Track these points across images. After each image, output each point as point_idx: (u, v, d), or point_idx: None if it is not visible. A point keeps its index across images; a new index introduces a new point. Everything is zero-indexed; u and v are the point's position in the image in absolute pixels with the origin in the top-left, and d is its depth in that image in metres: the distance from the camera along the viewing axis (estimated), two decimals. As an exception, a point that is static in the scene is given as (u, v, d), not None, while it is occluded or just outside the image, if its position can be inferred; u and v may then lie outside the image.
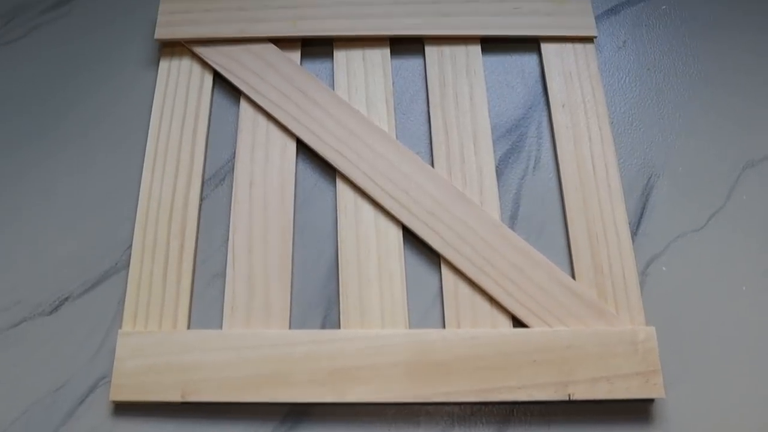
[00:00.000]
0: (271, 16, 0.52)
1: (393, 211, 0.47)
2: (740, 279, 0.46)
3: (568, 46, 0.53)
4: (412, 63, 0.53)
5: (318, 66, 0.53)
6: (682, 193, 0.49)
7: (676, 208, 0.48)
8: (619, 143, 0.50)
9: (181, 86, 0.52)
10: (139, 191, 0.48)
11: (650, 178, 0.49)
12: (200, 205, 0.48)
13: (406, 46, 0.53)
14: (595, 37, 0.53)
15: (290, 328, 0.45)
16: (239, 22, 0.52)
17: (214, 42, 0.52)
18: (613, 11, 0.56)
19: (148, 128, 0.50)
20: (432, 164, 0.49)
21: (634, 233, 0.47)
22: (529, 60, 0.54)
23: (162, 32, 0.52)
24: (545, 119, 0.51)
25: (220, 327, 0.44)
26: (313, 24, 0.52)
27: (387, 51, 0.53)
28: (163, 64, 0.52)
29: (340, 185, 0.48)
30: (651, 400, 0.43)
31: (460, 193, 0.47)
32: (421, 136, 0.50)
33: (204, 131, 0.50)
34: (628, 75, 0.53)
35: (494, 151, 0.49)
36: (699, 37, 0.55)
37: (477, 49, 0.53)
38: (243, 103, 0.51)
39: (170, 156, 0.49)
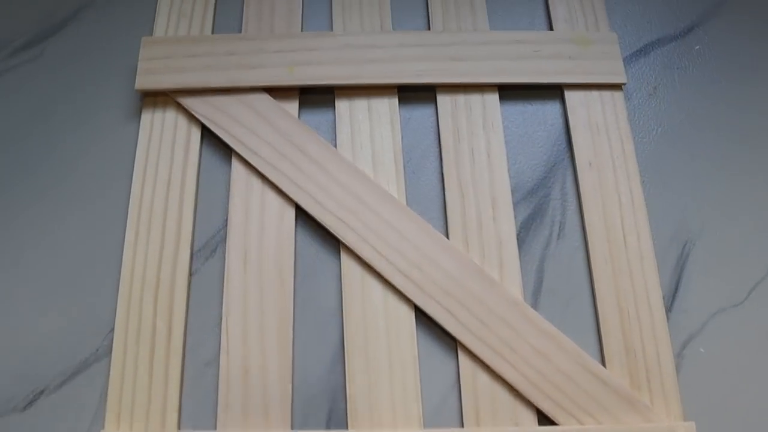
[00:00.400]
0: (266, 62, 0.47)
1: (404, 290, 0.42)
2: (785, 360, 0.42)
3: (595, 94, 0.48)
4: (422, 113, 0.48)
5: (318, 117, 0.48)
6: (721, 262, 0.44)
7: (713, 279, 0.44)
8: (651, 206, 0.46)
9: (165, 142, 0.46)
10: (121, 265, 0.43)
11: (685, 245, 0.45)
12: (189, 281, 0.43)
13: (415, 93, 0.48)
14: (625, 83, 0.47)
15: (292, 428, 0.40)
16: (229, 69, 0.46)
17: (202, 92, 0.46)
18: (642, 53, 0.50)
19: (129, 190, 0.45)
20: (447, 234, 0.44)
21: (668, 309, 0.43)
22: (551, 109, 0.48)
23: (143, 81, 0.46)
24: (570, 178, 0.46)
25: (214, 427, 0.40)
26: (312, 71, 0.47)
27: (395, 100, 0.48)
28: (146, 117, 0.47)
29: (345, 258, 0.43)
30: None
31: (478, 267, 0.42)
32: (434, 199, 0.45)
33: (192, 195, 0.45)
34: (659, 126, 0.48)
35: (515, 217, 0.45)
36: (737, 81, 0.50)
37: (494, 97, 0.48)
38: (235, 162, 0.46)
39: (155, 223, 0.44)
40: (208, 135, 0.47)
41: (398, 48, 0.48)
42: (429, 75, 0.47)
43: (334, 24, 0.50)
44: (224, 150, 0.46)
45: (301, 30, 0.50)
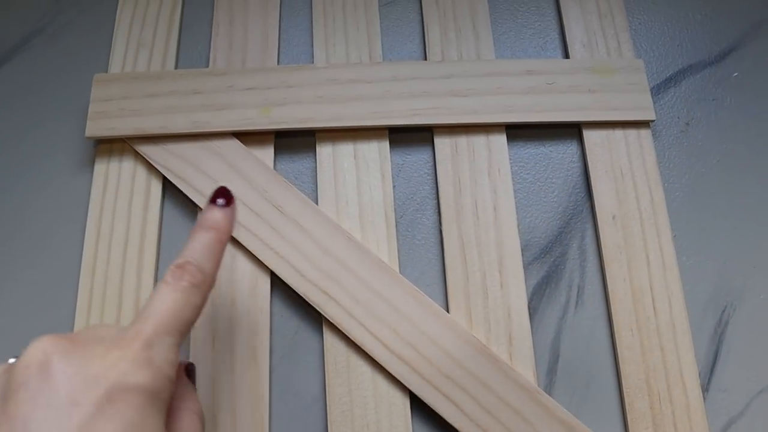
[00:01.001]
0: (236, 101, 0.41)
1: (397, 373, 0.36)
2: (842, 450, 0.36)
3: (618, 133, 0.41)
4: (417, 158, 0.42)
5: (297, 165, 0.42)
6: (765, 331, 0.38)
7: (758, 351, 0.38)
8: (683, 265, 0.39)
9: (122, 197, 0.40)
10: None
11: (724, 311, 0.39)
12: (150, 362, 0.37)
13: (409, 135, 0.42)
14: (653, 120, 0.41)
15: None
16: (194, 111, 0.40)
17: (163, 138, 0.40)
18: (671, 82, 0.44)
19: (81, 252, 0.39)
20: (446, 305, 0.38)
21: (705, 389, 0.37)
22: (568, 151, 0.42)
23: (95, 127, 0.40)
24: (590, 234, 0.40)
25: None
26: (289, 112, 0.40)
27: (386, 143, 0.41)
28: (99, 168, 0.41)
29: (328, 336, 0.37)
30: None
31: (483, 346, 0.36)
32: (431, 263, 0.39)
33: (152, 258, 0.39)
34: (692, 170, 0.42)
35: (526, 281, 0.38)
36: (782, 116, 0.43)
37: (501, 139, 0.41)
38: (202, 221, 0.39)
39: (110, 293, 0.38)
40: (170, 187, 0.41)
41: (390, 82, 0.41)
42: (426, 114, 0.41)
43: (315, 55, 0.43)
44: (189, 206, 0.40)
45: (278, 63, 0.43)
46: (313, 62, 0.43)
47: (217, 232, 0.29)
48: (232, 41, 0.43)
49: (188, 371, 0.30)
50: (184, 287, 0.26)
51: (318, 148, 0.41)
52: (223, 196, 0.30)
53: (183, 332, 0.26)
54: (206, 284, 0.27)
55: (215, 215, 0.29)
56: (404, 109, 0.41)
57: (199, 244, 0.28)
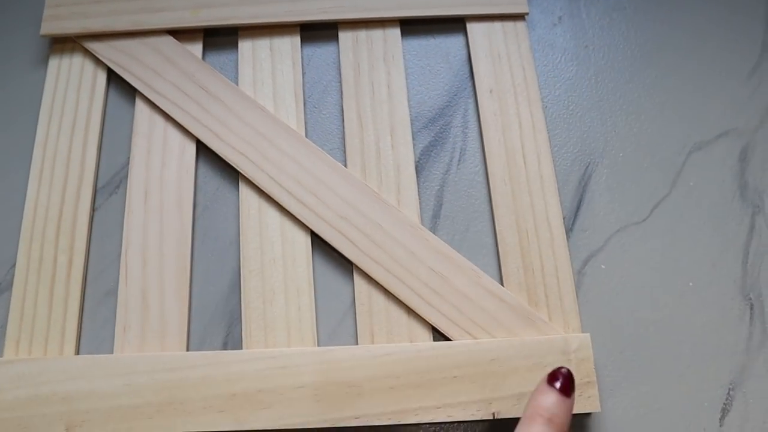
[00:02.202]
0: (170, 4, 0.48)
1: (300, 217, 0.42)
2: (687, 275, 0.42)
3: (497, 25, 0.48)
4: (324, 51, 0.48)
5: (222, 58, 0.48)
6: (623, 181, 0.44)
7: (616, 198, 0.44)
8: (554, 130, 0.46)
9: (71, 86, 0.47)
10: (24, 203, 0.43)
11: (588, 167, 0.45)
12: (92, 216, 0.44)
13: (318, 32, 0.49)
14: (527, 13, 0.48)
15: (188, 349, 0.40)
16: (134, 13, 0.47)
17: (107, 36, 0.47)
18: (547, -15, 0.51)
19: (35, 133, 0.45)
20: (345, 163, 0.44)
21: (569, 229, 0.43)
22: (454, 42, 0.49)
23: (48, 27, 0.47)
24: (472, 107, 0.46)
25: (112, 351, 0.40)
26: (215, 12, 0.47)
27: (297, 39, 0.48)
28: (53, 63, 0.48)
29: (244, 189, 0.44)
30: (587, 415, 0.38)
31: (374, 193, 0.42)
32: (334, 132, 0.46)
33: (96, 135, 0.46)
34: (563, 55, 0.48)
35: (414, 145, 0.45)
36: (641, 11, 0.50)
37: (396, 32, 0.48)
38: (139, 103, 0.46)
39: (59, 164, 0.45)
40: (114, 79, 0.48)
41: (301, -13, 0.48)
42: (331, 11, 0.48)
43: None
44: (129, 93, 0.47)
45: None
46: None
47: (554, 427, 0.25)
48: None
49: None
50: None
51: (240, 44, 0.48)
52: (563, 382, 0.26)
53: None
54: None
55: (557, 408, 0.26)
56: (314, 8, 0.48)
57: None
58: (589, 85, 0.47)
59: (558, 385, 0.27)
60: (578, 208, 0.44)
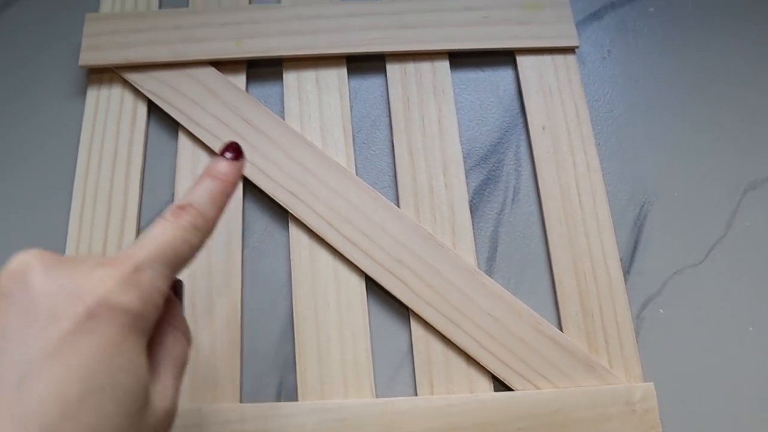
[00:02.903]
0: (212, 35, 0.46)
1: (354, 259, 0.41)
2: (747, 319, 0.41)
3: (547, 58, 0.47)
4: (372, 83, 0.47)
5: (266, 90, 0.47)
6: (679, 222, 0.43)
7: (672, 240, 0.43)
8: (607, 168, 0.45)
9: (111, 118, 0.45)
10: (66, 242, 0.42)
11: (643, 206, 0.44)
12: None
13: (365, 63, 0.47)
14: (577, 47, 0.47)
15: (241, 401, 0.39)
16: (175, 43, 0.46)
17: (148, 67, 0.46)
18: (595, 16, 0.50)
19: (74, 166, 0.44)
20: (397, 202, 0.43)
21: (626, 272, 0.42)
22: (503, 75, 0.48)
23: (87, 57, 0.45)
24: (524, 143, 0.45)
25: (160, 402, 0.39)
26: (259, 43, 0.46)
27: (344, 71, 0.47)
28: (91, 94, 0.46)
29: (294, 230, 0.42)
30: (651, 466, 0.38)
31: (429, 235, 0.41)
32: (385, 169, 0.44)
33: (138, 169, 0.44)
34: (613, 89, 0.47)
35: (467, 183, 0.44)
36: (691, 43, 0.49)
37: (445, 65, 0.47)
38: (182, 137, 0.45)
39: (101, 199, 0.43)
40: (155, 110, 0.46)
41: (346, 18, 0.47)
42: (378, 44, 0.46)
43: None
44: (171, 126, 0.46)
45: (249, 2, 0.49)
46: (279, 2, 0.49)
47: (223, 183, 0.28)
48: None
49: (175, 289, 0.29)
50: (184, 226, 0.26)
51: (285, 75, 0.47)
52: (233, 150, 0.30)
53: (176, 265, 0.25)
54: (206, 228, 0.27)
55: (224, 166, 0.29)
56: (359, 39, 0.47)
57: (203, 191, 0.27)
58: (640, 121, 0.46)
59: (228, 155, 0.29)
60: (634, 249, 0.43)
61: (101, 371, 0.21)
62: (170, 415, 0.25)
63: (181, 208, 0.26)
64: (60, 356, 0.21)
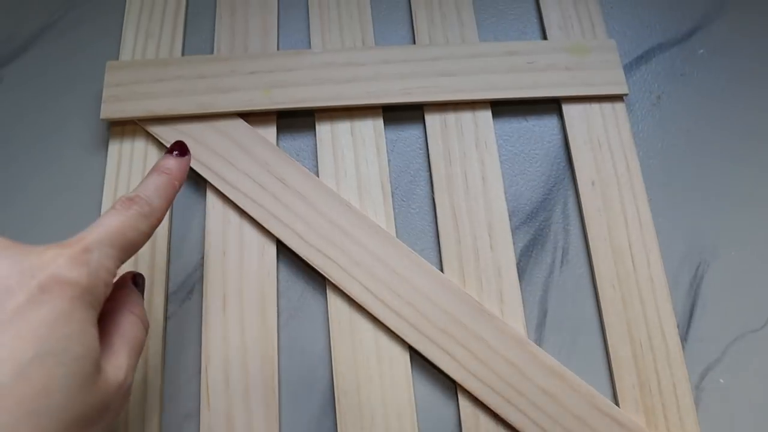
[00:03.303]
0: (239, 84, 0.43)
1: (397, 330, 0.39)
2: (811, 389, 0.39)
3: (595, 106, 0.45)
4: (410, 134, 0.45)
5: (298, 143, 0.44)
6: (737, 283, 0.41)
7: (730, 303, 0.41)
8: (659, 225, 0.42)
9: (135, 174, 0.43)
10: (88, 312, 0.39)
11: (699, 266, 0.42)
12: (165, 326, 0.40)
13: (402, 113, 0.45)
14: (626, 94, 0.44)
15: (280, 485, 0.37)
16: (200, 94, 0.43)
17: (172, 119, 0.43)
18: (642, 59, 0.47)
19: (97, 228, 0.41)
20: (441, 267, 0.41)
21: (683, 339, 0.40)
22: (549, 125, 0.45)
23: (109, 110, 0.43)
24: (572, 199, 0.43)
25: (195, 487, 0.36)
26: (290, 93, 0.43)
27: (380, 122, 0.44)
28: (113, 148, 0.43)
29: (332, 297, 0.40)
30: None
31: (475, 302, 0.39)
32: (425, 229, 0.42)
33: (165, 231, 0.42)
34: (664, 138, 0.45)
35: (514, 243, 0.41)
36: (746, 85, 0.46)
37: (487, 114, 0.44)
38: (210, 195, 0.42)
39: (124, 270, 0.40)
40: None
41: (382, 65, 0.44)
42: (416, 93, 0.44)
43: (312, 41, 0.46)
44: (199, 182, 0.43)
45: (277, 49, 0.46)
46: (310, 47, 0.46)
47: (168, 176, 0.32)
48: (234, 29, 0.46)
49: (135, 281, 0.32)
50: (132, 214, 0.29)
51: (317, 127, 0.44)
52: (178, 148, 0.34)
53: (125, 250, 0.28)
54: (154, 216, 0.30)
55: (169, 162, 0.33)
56: (397, 88, 0.44)
57: (151, 184, 0.31)
58: (694, 174, 0.44)
59: (175, 152, 0.34)
60: (691, 314, 0.40)
61: (51, 337, 0.23)
62: (123, 388, 0.27)
63: (130, 199, 0.30)
64: (14, 324, 0.23)
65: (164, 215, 0.31)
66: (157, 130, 0.43)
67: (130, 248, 0.29)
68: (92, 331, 0.25)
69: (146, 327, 0.30)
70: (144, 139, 0.44)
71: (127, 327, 0.29)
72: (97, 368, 0.25)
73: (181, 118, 0.43)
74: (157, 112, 0.43)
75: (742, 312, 0.41)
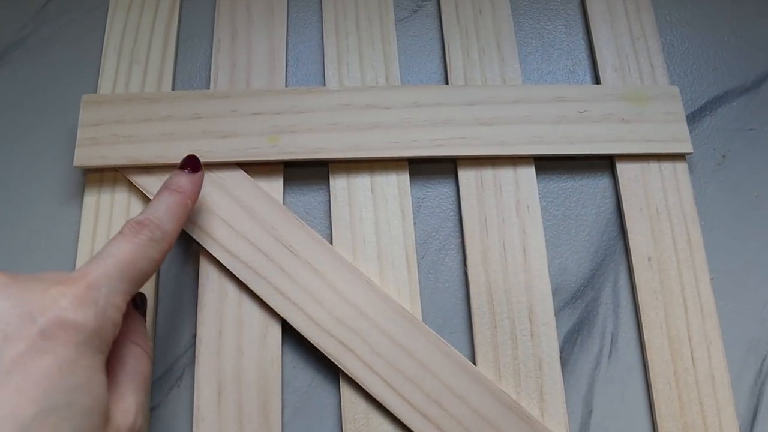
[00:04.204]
0: (241, 128, 0.37)
1: (421, 433, 0.33)
2: None
3: (653, 166, 0.39)
4: (440, 192, 0.39)
5: (308, 198, 0.38)
6: (807, 380, 0.36)
7: (798, 403, 0.35)
8: (722, 309, 0.37)
9: (115, 231, 0.36)
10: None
11: (765, 359, 0.36)
12: (148, 419, 0.34)
13: (431, 166, 0.38)
14: (690, 153, 0.38)
15: None
16: (194, 138, 0.36)
17: (160, 168, 0.36)
18: (706, 110, 0.41)
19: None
20: (473, 357, 0.35)
21: (745, 445, 0.35)
22: (599, 185, 0.39)
23: (84, 156, 0.36)
24: (624, 276, 0.37)
25: None
26: (299, 140, 0.37)
27: (406, 177, 0.38)
28: (89, 199, 0.37)
29: (346, 391, 0.34)
30: None
31: (513, 402, 0.34)
32: (456, 309, 0.36)
33: (150, 305, 0.35)
34: (729, 205, 0.39)
35: (557, 329, 0.36)
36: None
37: (530, 171, 0.38)
38: (204, 263, 0.36)
39: (102, 342, 0.34)
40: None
41: (410, 108, 0.38)
42: (450, 145, 0.37)
43: (327, 76, 0.40)
44: (191, 245, 0.36)
45: (286, 85, 0.39)
46: (324, 84, 0.40)
47: (181, 196, 0.30)
48: (235, 59, 0.40)
49: (136, 303, 0.30)
50: (142, 240, 0.26)
51: (331, 181, 0.38)
52: (190, 164, 0.31)
53: (135, 282, 0.26)
54: (165, 242, 0.27)
55: (181, 179, 0.30)
56: (426, 138, 0.37)
57: (162, 204, 0.29)
58: (760, 249, 0.38)
59: (187, 169, 0.31)
60: (755, 416, 0.35)
61: (56, 390, 0.21)
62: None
63: (139, 222, 0.27)
64: (13, 377, 0.21)
65: (176, 240, 0.28)
66: (141, 181, 0.36)
67: (140, 279, 0.26)
68: (100, 379, 0.23)
69: (151, 359, 0.28)
70: (126, 190, 0.37)
71: (131, 362, 0.26)
72: (105, 418, 0.23)
73: (170, 168, 0.36)
74: (142, 159, 0.36)
75: (812, 415, 0.35)
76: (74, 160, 0.36)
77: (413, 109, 0.38)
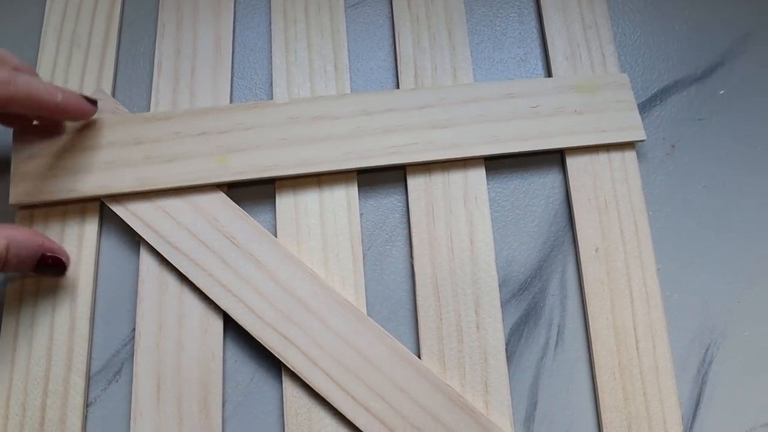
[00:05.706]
0: (187, 150, 0.36)
1: (364, 428, 0.33)
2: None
3: (603, 156, 0.39)
4: (388, 191, 0.38)
5: (253, 190, 0.37)
6: (750, 369, 0.36)
7: (742, 391, 0.36)
8: (667, 300, 0.37)
9: (53, 225, 0.35)
10: (-8, 397, 0.32)
11: (708, 349, 0.37)
12: (85, 415, 0.33)
13: (380, 174, 0.38)
14: (643, 140, 0.38)
15: None
16: (136, 165, 0.35)
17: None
18: (656, 100, 0.41)
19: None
20: (418, 350, 0.35)
21: (688, 433, 0.35)
22: (548, 177, 0.39)
23: (20, 193, 0.35)
24: (571, 267, 0.37)
25: None
26: (249, 159, 0.36)
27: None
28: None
29: (288, 385, 0.34)
30: None
31: (457, 396, 0.33)
32: (402, 301, 0.36)
33: (88, 297, 0.34)
34: (676, 195, 0.39)
35: (503, 321, 0.35)
36: (771, 137, 0.41)
37: (480, 173, 0.38)
38: (144, 255, 0.35)
39: (38, 344, 0.33)
40: (108, 217, 0.36)
41: (361, 117, 0.37)
42: (403, 153, 0.37)
43: (274, 64, 0.39)
44: (131, 236, 0.36)
45: (230, 101, 0.38)
46: (272, 98, 0.39)
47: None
48: (179, 46, 0.38)
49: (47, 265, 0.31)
50: None
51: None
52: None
53: None
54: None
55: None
56: (379, 147, 0.37)
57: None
58: (707, 239, 0.38)
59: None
60: (697, 405, 0.36)
61: None
62: None
63: None
64: None
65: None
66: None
67: None
68: None
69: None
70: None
71: None
72: None
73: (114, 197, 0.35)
74: (83, 191, 0.35)
75: (754, 402, 0.36)
76: (10, 198, 0.34)
77: (364, 117, 0.37)
